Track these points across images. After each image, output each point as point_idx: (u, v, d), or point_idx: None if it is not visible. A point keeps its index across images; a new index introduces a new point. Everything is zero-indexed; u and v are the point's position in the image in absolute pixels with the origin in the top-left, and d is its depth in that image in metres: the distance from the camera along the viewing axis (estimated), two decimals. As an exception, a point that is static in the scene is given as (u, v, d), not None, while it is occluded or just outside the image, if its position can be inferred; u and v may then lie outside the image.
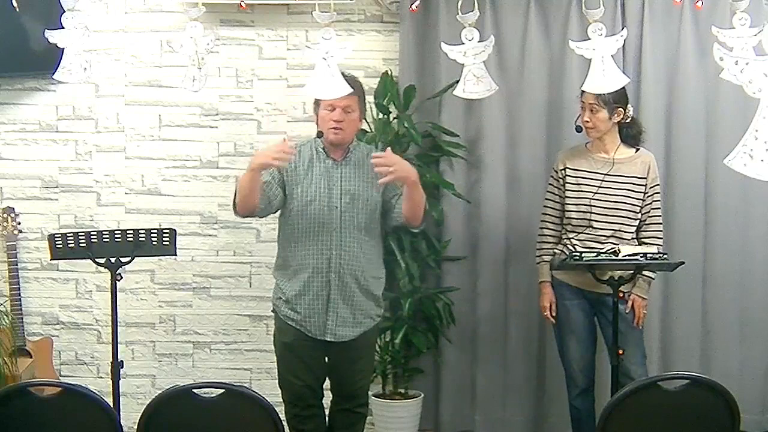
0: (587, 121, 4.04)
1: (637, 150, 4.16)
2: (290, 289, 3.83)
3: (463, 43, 3.69)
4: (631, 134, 4.15)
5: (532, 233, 4.39)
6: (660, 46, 4.68)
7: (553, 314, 4.17)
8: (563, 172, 4.15)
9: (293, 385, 3.89)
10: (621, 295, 3.92)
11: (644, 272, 4.07)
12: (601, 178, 4.07)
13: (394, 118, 4.74)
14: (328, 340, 3.81)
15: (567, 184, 4.13)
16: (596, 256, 3.88)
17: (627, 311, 4.07)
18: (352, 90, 3.47)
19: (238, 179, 3.88)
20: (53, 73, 3.40)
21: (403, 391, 4.78)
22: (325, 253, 3.77)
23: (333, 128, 3.75)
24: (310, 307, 3.80)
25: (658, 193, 4.15)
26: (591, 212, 4.06)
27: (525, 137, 4.79)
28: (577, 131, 4.14)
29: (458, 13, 3.70)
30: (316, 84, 3.20)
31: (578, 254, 3.89)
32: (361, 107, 3.86)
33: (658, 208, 4.14)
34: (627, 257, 3.86)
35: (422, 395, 4.78)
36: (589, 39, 3.38)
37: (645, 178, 4.08)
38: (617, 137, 4.12)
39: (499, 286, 4.84)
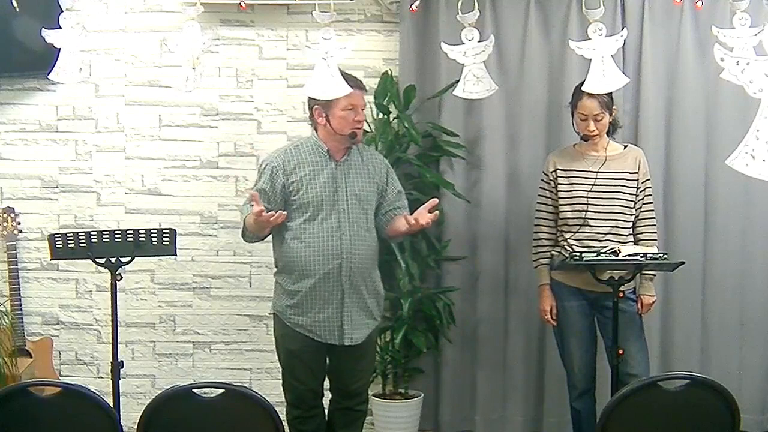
0: (593, 131, 4.04)
1: (626, 146, 4.19)
2: (297, 293, 3.79)
3: (463, 43, 3.70)
4: (612, 127, 4.18)
5: (532, 233, 4.38)
6: (660, 46, 4.68)
7: (554, 317, 4.17)
8: (554, 173, 4.15)
9: (297, 389, 3.89)
10: (621, 294, 3.92)
11: (645, 272, 4.08)
12: (594, 176, 4.07)
13: (394, 118, 4.74)
14: (347, 344, 3.80)
15: (559, 185, 4.13)
16: (596, 256, 3.88)
17: (639, 313, 4.09)
18: (352, 89, 3.48)
19: (245, 220, 3.79)
20: (48, 73, 3.41)
21: (403, 391, 4.78)
22: (335, 257, 3.75)
23: (358, 128, 3.80)
24: (322, 313, 3.78)
25: (650, 188, 4.15)
26: (587, 210, 4.06)
27: (525, 137, 4.79)
28: (584, 140, 4.12)
29: (458, 13, 3.71)
30: (316, 84, 3.20)
31: (578, 254, 3.90)
32: None
33: (651, 203, 4.16)
34: (627, 257, 3.86)
35: (422, 395, 4.78)
36: (589, 39, 3.38)
37: (636, 173, 4.09)
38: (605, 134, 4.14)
39: (499, 286, 4.84)
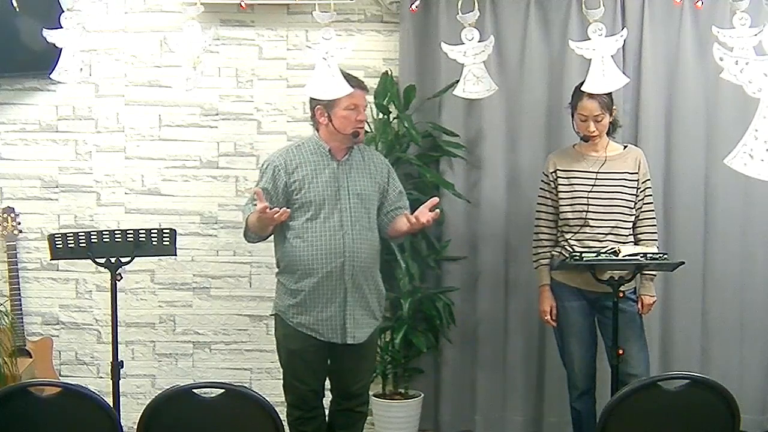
0: (593, 131, 4.04)
1: (626, 146, 4.20)
2: (300, 293, 3.78)
3: (463, 43, 3.70)
4: (612, 127, 4.18)
5: (532, 233, 4.38)
6: (660, 46, 4.68)
7: (554, 318, 4.17)
8: (554, 174, 4.15)
9: (298, 389, 3.88)
10: (621, 294, 3.92)
11: (645, 272, 4.08)
12: (594, 177, 4.07)
13: (394, 118, 4.74)
14: (349, 343, 3.79)
15: (560, 186, 4.13)
16: (596, 256, 3.88)
17: (639, 313, 4.09)
18: (353, 89, 3.49)
19: (247, 220, 3.77)
20: (50, 73, 3.41)
21: (403, 391, 4.78)
22: (338, 256, 3.75)
23: (360, 128, 3.81)
24: (325, 311, 3.77)
25: (650, 188, 4.16)
26: (587, 211, 4.06)
27: (525, 137, 4.79)
28: (585, 141, 4.12)
29: (458, 13, 3.71)
30: (317, 84, 3.20)
31: (578, 254, 3.90)
32: None
33: (651, 203, 4.16)
34: (627, 257, 3.86)
35: (422, 395, 4.78)
36: (589, 39, 3.38)
37: (636, 173, 4.10)
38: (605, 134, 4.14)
39: (499, 286, 4.84)
